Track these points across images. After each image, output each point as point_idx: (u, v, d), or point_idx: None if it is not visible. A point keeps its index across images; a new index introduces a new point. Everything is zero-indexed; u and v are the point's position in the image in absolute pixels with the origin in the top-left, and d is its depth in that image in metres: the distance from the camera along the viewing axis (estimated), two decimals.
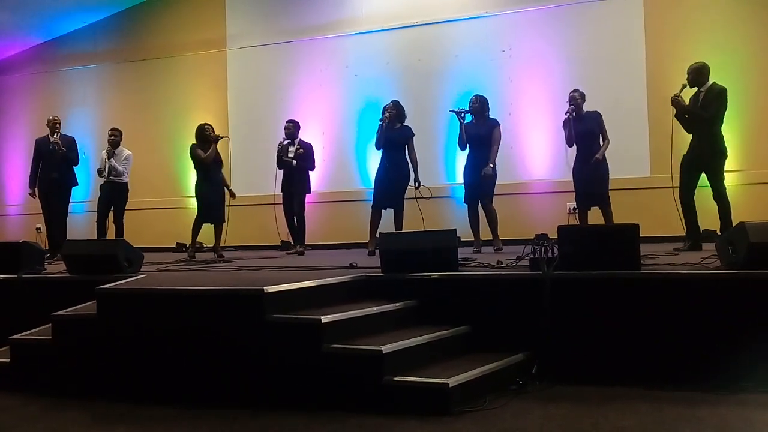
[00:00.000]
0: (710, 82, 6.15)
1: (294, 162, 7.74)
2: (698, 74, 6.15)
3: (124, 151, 8.29)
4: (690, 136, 6.24)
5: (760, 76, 7.90)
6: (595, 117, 6.78)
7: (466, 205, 7.14)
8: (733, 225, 4.30)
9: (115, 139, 8.24)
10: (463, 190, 7.24)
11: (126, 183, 8.25)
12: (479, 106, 7.08)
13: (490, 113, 7.17)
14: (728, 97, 6.10)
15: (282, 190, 7.92)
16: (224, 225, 7.69)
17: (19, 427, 3.71)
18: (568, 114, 6.74)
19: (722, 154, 6.12)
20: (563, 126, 6.87)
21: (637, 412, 3.50)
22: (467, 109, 7.12)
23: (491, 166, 6.92)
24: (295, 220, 7.88)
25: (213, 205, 7.56)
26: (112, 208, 8.19)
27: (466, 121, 7.08)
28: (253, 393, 3.92)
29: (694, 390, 3.78)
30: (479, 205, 7.06)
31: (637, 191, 7.60)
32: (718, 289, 4.04)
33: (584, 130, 6.70)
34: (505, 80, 8.69)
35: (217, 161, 7.66)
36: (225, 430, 3.50)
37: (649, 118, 8.14)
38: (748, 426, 3.27)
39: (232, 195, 7.84)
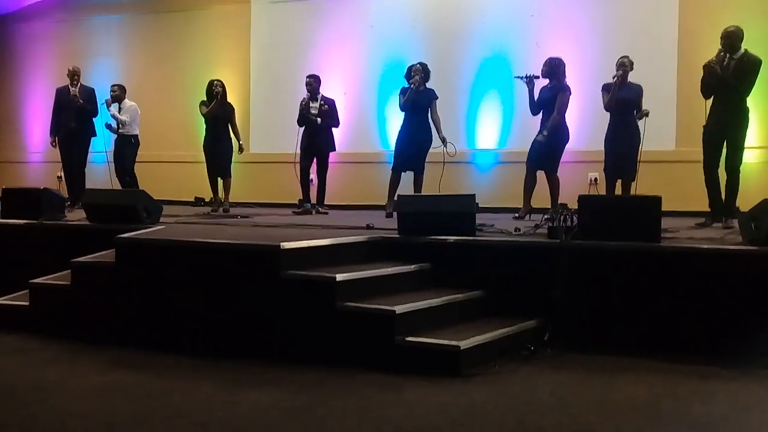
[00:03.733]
0: (742, 49, 5.91)
1: (319, 120, 7.67)
2: (734, 39, 5.84)
3: (127, 103, 8.30)
4: (707, 107, 6.03)
5: None
6: (638, 89, 6.58)
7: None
8: (757, 203, 4.21)
9: (114, 94, 8.25)
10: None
11: (135, 135, 8.28)
12: (547, 69, 6.78)
13: (564, 76, 6.76)
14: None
15: (302, 148, 7.81)
16: (230, 179, 7.76)
17: (37, 368, 3.79)
18: (615, 78, 6.54)
19: (744, 126, 5.90)
20: (603, 89, 6.62)
21: (648, 384, 3.50)
22: (536, 74, 6.78)
23: (544, 134, 6.63)
24: (316, 179, 7.82)
25: (214, 159, 7.67)
26: None
27: (531, 85, 6.74)
28: (266, 347, 3.96)
29: (708, 364, 3.77)
30: (538, 172, 6.78)
31: (662, 164, 7.46)
32: (738, 265, 3.99)
33: (625, 98, 6.51)
34: (532, 45, 8.52)
35: (221, 117, 7.63)
36: (238, 381, 3.54)
37: (678, 90, 7.97)
38: (759, 403, 3.25)
39: (240, 149, 7.85)
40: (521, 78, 6.86)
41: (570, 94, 6.71)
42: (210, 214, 7.29)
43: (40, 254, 5.21)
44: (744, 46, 5.90)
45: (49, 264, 4.84)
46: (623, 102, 6.51)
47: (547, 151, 6.73)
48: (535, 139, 6.76)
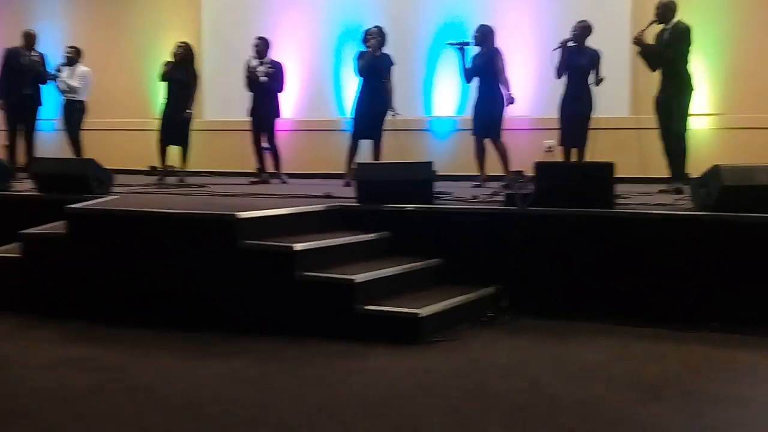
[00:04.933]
0: (675, 19, 6.06)
1: (265, 78, 7.47)
2: (666, 10, 6.02)
3: (80, 68, 8.01)
4: (658, 76, 6.18)
5: (741, 19, 7.83)
6: (592, 54, 6.59)
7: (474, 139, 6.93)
8: (707, 169, 4.31)
9: (69, 56, 7.94)
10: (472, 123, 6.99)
11: (82, 102, 8.00)
12: (479, 36, 6.85)
13: (495, 42, 6.84)
14: (708, 40, 6.06)
15: (251, 114, 7.61)
16: (187, 148, 7.51)
17: None
18: (561, 43, 6.56)
19: (686, 93, 6.00)
20: (561, 50, 6.66)
21: (602, 347, 3.60)
22: (467, 41, 6.89)
23: (510, 96, 6.70)
24: (268, 146, 7.68)
25: (168, 126, 7.38)
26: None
27: (465, 52, 6.83)
28: (224, 318, 3.93)
29: (660, 327, 3.88)
30: (486, 139, 6.87)
31: (615, 131, 7.57)
32: (688, 230, 4.10)
33: (582, 64, 6.56)
34: (490, 11, 8.49)
35: (179, 81, 7.38)
36: (196, 352, 3.51)
37: (632, 56, 8.05)
38: (709, 364, 3.37)
39: (187, 116, 7.53)
40: (454, 45, 6.89)
41: (503, 56, 6.79)
42: (160, 183, 7.07)
43: None
44: (693, 15, 6.05)
45: None
46: (576, 68, 6.56)
47: (489, 118, 6.80)
48: (479, 107, 6.81)
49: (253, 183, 7.38)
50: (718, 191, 4.08)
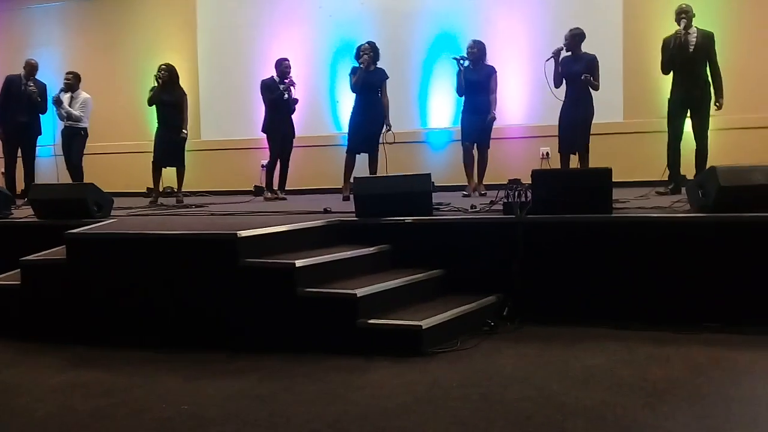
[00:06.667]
0: (693, 25, 6.19)
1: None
2: (692, 14, 6.18)
3: (81, 94, 8.03)
4: (668, 80, 6.26)
5: (742, 20, 7.88)
6: (587, 60, 6.65)
7: (463, 148, 7.09)
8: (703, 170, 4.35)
9: (68, 82, 7.97)
10: (461, 134, 7.19)
11: (85, 128, 8.04)
12: (477, 52, 6.98)
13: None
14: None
15: (273, 131, 7.56)
16: (183, 169, 7.55)
17: None
18: (553, 53, 6.64)
19: (711, 97, 6.22)
20: (554, 59, 6.72)
21: (606, 351, 3.59)
22: (466, 55, 7.00)
23: (494, 114, 6.95)
24: (280, 164, 7.70)
25: (162, 148, 7.40)
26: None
27: (464, 67, 6.99)
28: (228, 337, 3.93)
29: (662, 330, 3.88)
30: (475, 148, 7.06)
31: (610, 136, 7.60)
32: (687, 232, 4.10)
33: (577, 70, 6.60)
34: (482, 22, 8.56)
35: (168, 103, 7.40)
36: (200, 372, 3.51)
37: (624, 62, 8.11)
38: (714, 365, 3.36)
39: (182, 136, 7.53)
40: (458, 59, 7.01)
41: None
42: (155, 205, 7.07)
43: None
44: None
45: None
46: (573, 74, 6.61)
47: (487, 128, 6.93)
48: (487, 120, 6.92)
49: (267, 200, 7.40)
50: (715, 192, 4.10)
